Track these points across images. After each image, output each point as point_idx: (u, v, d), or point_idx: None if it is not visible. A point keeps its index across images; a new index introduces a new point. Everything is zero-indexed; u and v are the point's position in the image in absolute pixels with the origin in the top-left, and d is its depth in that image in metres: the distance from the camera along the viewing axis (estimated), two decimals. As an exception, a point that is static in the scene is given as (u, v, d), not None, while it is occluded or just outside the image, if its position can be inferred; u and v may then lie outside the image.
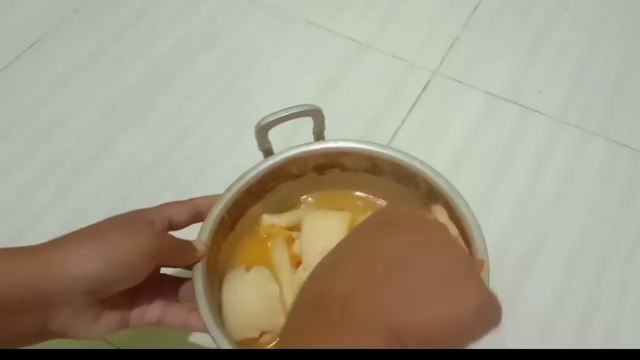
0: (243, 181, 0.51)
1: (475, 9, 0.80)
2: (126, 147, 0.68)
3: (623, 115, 0.70)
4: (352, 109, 0.70)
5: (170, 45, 0.76)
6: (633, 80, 0.73)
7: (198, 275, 0.46)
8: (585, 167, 0.67)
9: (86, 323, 0.42)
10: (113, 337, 0.54)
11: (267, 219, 0.54)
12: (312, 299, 0.36)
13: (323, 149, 0.53)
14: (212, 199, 0.50)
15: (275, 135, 0.52)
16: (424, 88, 0.72)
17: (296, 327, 0.35)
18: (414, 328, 0.32)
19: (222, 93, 0.72)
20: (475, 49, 0.76)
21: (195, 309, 0.45)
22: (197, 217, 0.49)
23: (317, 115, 0.52)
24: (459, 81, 0.73)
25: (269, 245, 0.53)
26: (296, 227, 0.54)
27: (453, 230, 0.46)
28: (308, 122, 0.53)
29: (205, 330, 0.44)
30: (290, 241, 0.53)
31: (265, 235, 0.54)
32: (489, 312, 0.36)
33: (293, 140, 0.53)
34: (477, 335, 0.35)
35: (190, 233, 0.48)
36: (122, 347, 0.54)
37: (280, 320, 0.49)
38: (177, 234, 0.47)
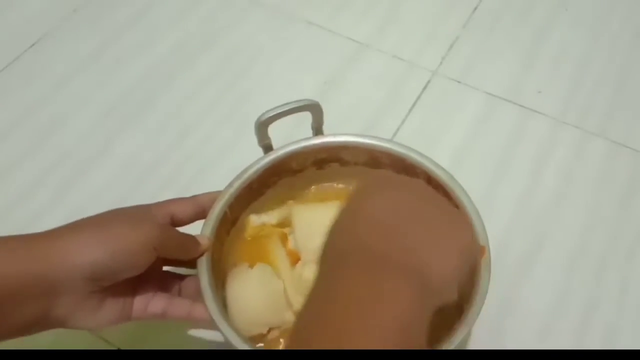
0: (244, 177, 0.51)
1: (475, 9, 0.80)
2: (126, 147, 0.68)
3: (623, 116, 0.70)
4: (352, 109, 0.70)
5: (170, 45, 0.76)
6: (633, 81, 0.73)
7: (203, 269, 0.46)
8: (585, 167, 0.67)
9: (87, 312, 0.42)
10: (113, 337, 0.54)
11: (255, 219, 0.54)
12: (342, 252, 0.38)
13: (322, 143, 0.54)
14: (214, 196, 0.50)
15: (274, 131, 0.52)
16: (424, 88, 0.73)
17: (333, 273, 0.37)
18: (437, 267, 0.37)
19: (222, 93, 0.72)
20: (475, 49, 0.76)
21: (200, 300, 0.45)
22: (200, 214, 0.49)
23: (315, 110, 0.52)
24: (458, 81, 0.73)
25: (264, 244, 0.54)
26: (285, 224, 0.54)
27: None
28: (306, 118, 0.53)
29: (210, 321, 0.44)
30: (284, 238, 0.53)
31: (249, 238, 0.54)
32: (477, 244, 0.45)
33: (292, 136, 0.53)
34: (472, 265, 0.44)
35: (193, 230, 0.49)
36: (122, 347, 0.54)
37: (287, 316, 0.49)
38: (181, 230, 0.47)
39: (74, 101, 0.71)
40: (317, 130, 0.54)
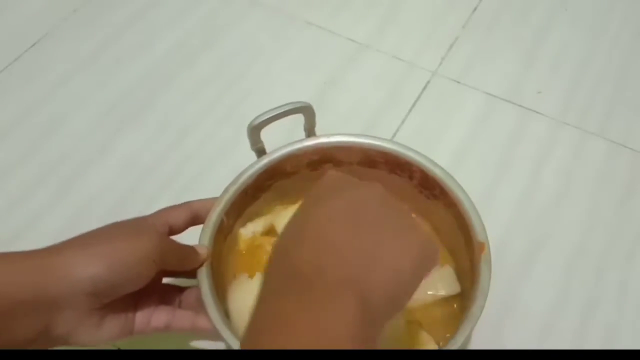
0: (239, 182, 0.51)
1: (475, 9, 0.80)
2: (126, 147, 0.68)
3: (622, 116, 0.70)
4: (351, 110, 0.70)
5: (170, 45, 0.76)
6: (632, 81, 0.73)
7: (203, 278, 0.46)
8: (584, 167, 0.67)
9: (90, 328, 0.42)
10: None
11: (245, 232, 0.54)
12: (285, 268, 0.37)
13: (316, 144, 0.53)
14: (208, 202, 0.50)
15: (267, 135, 0.52)
16: (424, 88, 0.73)
17: (274, 293, 0.36)
18: (376, 285, 0.35)
19: (222, 93, 0.72)
20: (475, 50, 0.76)
21: (201, 311, 0.45)
22: (195, 220, 0.49)
23: (307, 111, 0.52)
24: (458, 82, 0.73)
25: (259, 255, 0.53)
26: (272, 232, 0.54)
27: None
28: (299, 120, 0.53)
29: (214, 331, 0.44)
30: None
31: (244, 251, 0.54)
32: (431, 252, 0.39)
33: (285, 139, 0.53)
34: (424, 275, 0.39)
35: (188, 239, 0.48)
36: (122, 347, 0.54)
37: None
38: (177, 239, 0.47)
39: (74, 101, 0.71)
40: (310, 132, 0.54)
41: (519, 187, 0.65)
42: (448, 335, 0.45)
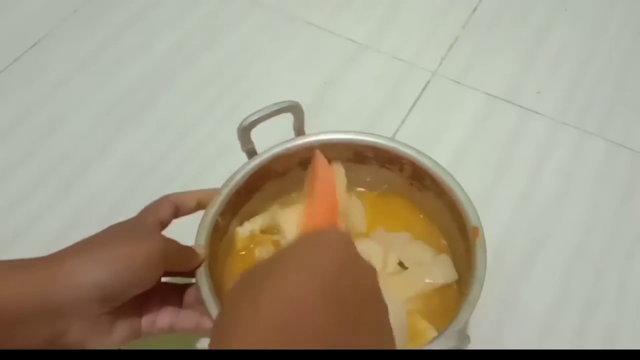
0: (232, 184, 0.51)
1: (475, 9, 0.80)
2: (126, 147, 0.68)
3: (622, 116, 0.70)
4: (351, 110, 0.70)
5: (170, 45, 0.76)
6: (632, 81, 0.73)
7: (202, 278, 0.46)
8: (584, 167, 0.67)
9: (101, 334, 0.42)
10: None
11: (242, 231, 0.54)
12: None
13: (305, 143, 0.53)
14: (186, 195, 0.49)
15: (257, 137, 0.52)
16: (424, 89, 0.73)
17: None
18: None
19: (222, 93, 0.72)
20: (475, 50, 0.76)
21: (204, 311, 0.45)
22: (176, 213, 0.49)
23: (296, 110, 0.52)
24: (458, 82, 0.73)
25: (259, 255, 0.53)
26: (270, 230, 0.54)
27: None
28: (289, 120, 0.53)
29: None
30: (277, 245, 0.53)
31: (242, 253, 0.54)
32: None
33: (276, 140, 0.53)
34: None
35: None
36: (121, 347, 0.54)
37: None
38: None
39: (74, 101, 0.71)
40: (299, 131, 0.54)
41: (519, 187, 0.65)
42: (448, 321, 0.45)
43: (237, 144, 0.67)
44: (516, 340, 0.56)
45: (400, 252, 0.53)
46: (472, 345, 0.54)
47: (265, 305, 0.32)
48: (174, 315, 0.46)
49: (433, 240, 0.54)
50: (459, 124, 0.70)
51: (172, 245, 0.45)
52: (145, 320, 0.45)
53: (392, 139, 0.54)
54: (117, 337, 0.43)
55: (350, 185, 0.54)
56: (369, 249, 0.53)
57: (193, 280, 0.47)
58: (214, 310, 0.45)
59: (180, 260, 0.46)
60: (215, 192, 0.51)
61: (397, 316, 0.48)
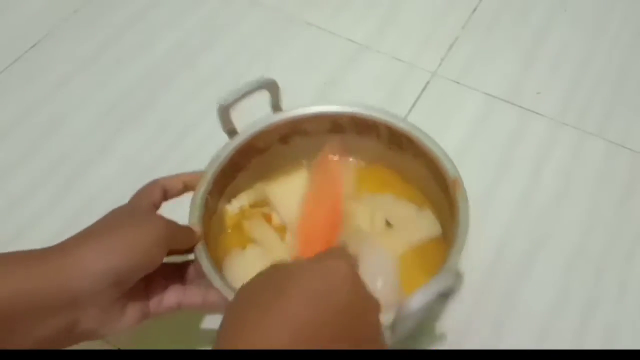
0: (217, 164, 0.53)
1: (474, 10, 0.80)
2: (126, 147, 0.68)
3: (622, 116, 0.70)
4: (351, 110, 0.70)
5: (170, 45, 0.76)
6: (632, 81, 0.74)
7: (202, 254, 0.48)
8: (584, 167, 0.67)
9: (115, 318, 0.44)
10: (113, 337, 0.54)
11: (231, 209, 0.56)
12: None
13: (285, 119, 0.55)
14: (173, 179, 0.51)
15: (237, 118, 0.53)
16: (423, 89, 0.73)
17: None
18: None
19: (222, 93, 0.72)
20: (475, 50, 0.76)
21: (207, 285, 0.47)
22: (165, 195, 0.50)
23: (272, 87, 0.54)
24: (458, 82, 0.73)
25: (248, 229, 0.55)
26: (259, 204, 0.56)
27: None
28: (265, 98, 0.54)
29: (224, 303, 0.45)
30: (267, 218, 0.56)
31: (230, 230, 0.56)
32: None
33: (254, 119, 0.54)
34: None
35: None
36: (122, 347, 0.54)
37: None
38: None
39: (74, 101, 0.71)
40: (276, 108, 0.55)
41: (519, 187, 0.65)
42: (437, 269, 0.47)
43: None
44: (516, 340, 0.56)
45: (386, 212, 0.55)
46: (473, 345, 0.54)
47: (273, 329, 0.35)
48: (180, 293, 0.48)
49: (417, 200, 0.56)
50: (459, 124, 0.70)
51: (173, 225, 0.47)
52: (153, 301, 0.47)
53: (367, 106, 0.55)
54: (128, 320, 0.45)
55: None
56: (357, 211, 0.55)
57: (191, 256, 0.49)
58: (217, 282, 0.46)
59: (182, 239, 0.48)
60: (200, 174, 0.52)
61: (389, 270, 0.51)
